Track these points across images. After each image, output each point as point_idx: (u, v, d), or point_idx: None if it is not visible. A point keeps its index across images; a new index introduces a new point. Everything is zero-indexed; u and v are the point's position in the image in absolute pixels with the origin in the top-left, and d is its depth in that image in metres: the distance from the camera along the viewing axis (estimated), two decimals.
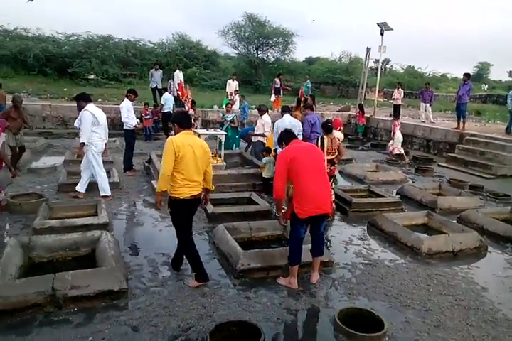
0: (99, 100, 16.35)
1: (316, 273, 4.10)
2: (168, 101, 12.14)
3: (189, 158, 3.67)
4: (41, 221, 4.79)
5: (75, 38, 23.72)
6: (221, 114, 10.80)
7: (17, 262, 3.81)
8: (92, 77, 20.92)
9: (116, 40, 24.18)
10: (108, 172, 7.31)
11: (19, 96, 8.20)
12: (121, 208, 6.02)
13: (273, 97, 16.17)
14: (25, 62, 20.50)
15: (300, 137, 6.93)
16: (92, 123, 6.05)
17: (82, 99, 6.21)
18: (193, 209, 3.95)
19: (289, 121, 7.11)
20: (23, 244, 4.08)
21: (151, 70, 14.88)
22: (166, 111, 12.00)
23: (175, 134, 3.90)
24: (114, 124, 13.69)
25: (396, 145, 11.36)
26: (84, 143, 6.04)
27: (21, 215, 5.38)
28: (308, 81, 16.87)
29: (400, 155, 11.14)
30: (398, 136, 11.36)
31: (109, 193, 6.27)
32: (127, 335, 3.09)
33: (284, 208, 4.32)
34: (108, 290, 3.49)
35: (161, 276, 4.05)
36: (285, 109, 7.60)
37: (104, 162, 8.19)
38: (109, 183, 6.52)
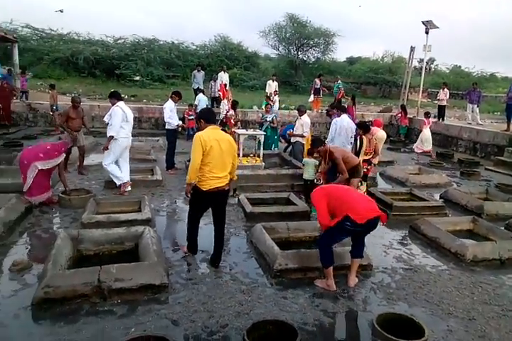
0: (144, 100, 16.93)
1: (354, 277, 4.03)
2: (201, 101, 12.47)
3: (215, 152, 3.89)
4: (89, 215, 5.04)
5: (123, 41, 24.73)
6: (260, 115, 10.87)
7: (67, 254, 4.03)
8: (137, 78, 21.70)
9: (161, 42, 24.98)
10: (151, 170, 7.59)
11: (78, 97, 8.65)
12: (163, 205, 6.20)
13: (311, 98, 16.05)
14: (76, 65, 21.60)
15: (352, 140, 6.92)
16: (122, 120, 6.32)
17: (114, 97, 6.50)
18: (216, 201, 4.16)
19: (347, 122, 7.22)
20: (72, 236, 4.30)
21: (194, 72, 15.20)
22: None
23: (200, 130, 4.07)
24: (158, 124, 14.22)
25: (419, 145, 10.98)
26: (112, 137, 6.30)
27: (71, 210, 5.69)
28: (340, 81, 16.61)
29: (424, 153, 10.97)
30: (426, 135, 10.94)
31: (125, 180, 6.50)
32: (167, 328, 3.18)
33: None
34: (150, 284, 3.61)
35: (200, 273, 4.14)
36: (343, 109, 7.78)
37: (147, 160, 8.51)
38: (152, 181, 6.78)
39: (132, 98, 17.17)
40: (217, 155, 3.91)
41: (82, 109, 7.70)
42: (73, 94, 15.79)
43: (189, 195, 4.19)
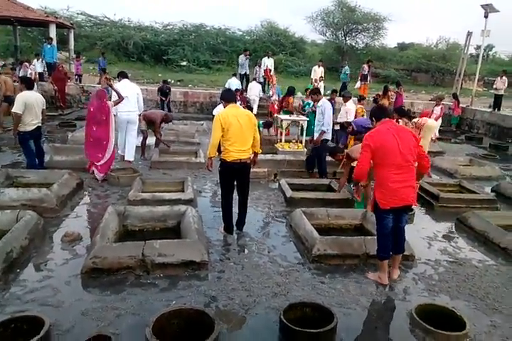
0: (190, 85, 17.19)
1: (397, 270, 3.87)
2: (231, 84, 12.80)
3: (235, 127, 4.24)
4: (135, 193, 5.24)
5: (171, 27, 25.12)
6: (301, 101, 10.72)
7: (113, 228, 4.22)
8: (184, 63, 22.07)
9: (208, 28, 25.14)
10: (195, 153, 7.75)
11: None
12: (205, 186, 6.33)
13: (358, 84, 15.62)
14: (126, 50, 22.28)
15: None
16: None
17: (120, 75, 7.28)
18: (239, 172, 4.46)
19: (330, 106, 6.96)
20: (119, 212, 4.50)
21: (241, 56, 15.19)
22: None
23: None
24: (202, 108, 14.43)
25: None
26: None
27: (118, 187, 5.95)
28: (347, 67, 16.39)
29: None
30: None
31: (131, 159, 7.11)
32: (206, 304, 3.28)
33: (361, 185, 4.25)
34: (191, 261, 3.72)
35: (240, 253, 4.22)
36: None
37: (191, 143, 8.67)
38: (196, 163, 7.02)
39: (178, 83, 17.47)
40: (237, 131, 4.25)
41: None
42: None
43: (210, 169, 4.62)
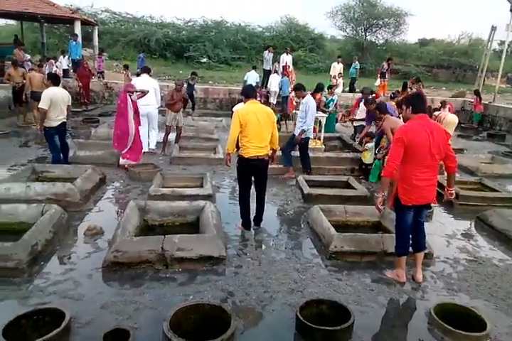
0: (210, 82, 17.26)
1: (420, 270, 3.78)
2: (249, 77, 13.18)
3: (253, 124, 4.26)
4: (156, 188, 5.33)
5: (192, 23, 25.23)
6: (324, 98, 10.64)
7: (134, 222, 4.31)
8: (204, 60, 22.17)
9: (228, 24, 25.15)
10: (214, 149, 7.82)
11: (180, 79, 9.12)
12: (223, 182, 6.39)
13: (378, 81, 15.42)
14: (148, 46, 22.51)
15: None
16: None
17: (142, 70, 7.76)
18: (257, 169, 4.49)
19: (313, 102, 6.67)
20: (140, 207, 4.59)
21: (265, 52, 15.18)
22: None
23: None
24: (222, 105, 14.52)
25: None
26: None
27: (139, 182, 6.06)
28: (357, 62, 16.25)
29: None
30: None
31: (146, 149, 7.36)
32: (223, 299, 3.32)
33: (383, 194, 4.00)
34: (209, 256, 3.77)
35: (257, 249, 4.26)
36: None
37: (210, 139, 8.74)
38: (215, 159, 7.14)
39: (199, 80, 17.56)
40: (255, 127, 4.28)
41: (184, 91, 8.28)
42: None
43: (228, 164, 4.64)
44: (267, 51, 14.91)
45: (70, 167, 6.06)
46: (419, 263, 3.79)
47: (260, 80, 14.06)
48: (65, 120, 6.17)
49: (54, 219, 4.24)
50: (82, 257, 3.91)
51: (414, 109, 3.46)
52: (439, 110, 9.95)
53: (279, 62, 14.39)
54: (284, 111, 12.07)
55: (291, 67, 14.37)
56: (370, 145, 6.75)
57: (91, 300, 3.23)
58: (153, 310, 3.13)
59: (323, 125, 8.32)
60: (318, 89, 9.53)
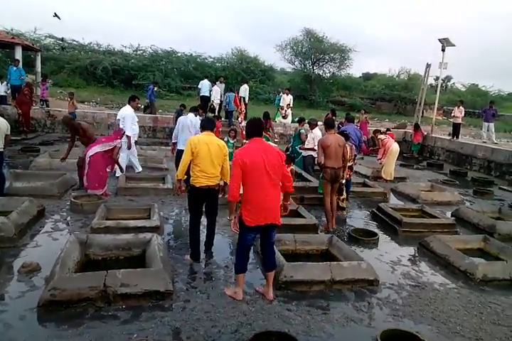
0: (160, 111, 17.18)
1: (271, 289, 3.84)
2: (203, 85, 14.63)
3: (204, 154, 4.37)
4: (99, 221, 5.10)
5: (141, 51, 25.22)
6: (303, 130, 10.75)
7: (75, 257, 4.08)
8: (155, 89, 22.07)
9: (179, 54, 25.42)
10: (163, 179, 7.68)
11: None
12: (172, 213, 6.26)
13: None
14: (95, 74, 22.09)
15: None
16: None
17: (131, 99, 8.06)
18: (207, 197, 4.57)
19: (353, 129, 7.77)
20: (81, 241, 4.36)
21: (217, 83, 15.47)
22: (202, 94, 14.85)
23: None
24: (171, 134, 14.41)
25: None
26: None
27: (82, 215, 5.78)
28: (281, 94, 15.87)
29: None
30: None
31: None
32: (169, 336, 3.18)
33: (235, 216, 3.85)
34: (155, 291, 3.63)
35: (205, 281, 4.15)
36: (350, 119, 8.57)
37: (159, 169, 8.65)
38: (163, 189, 7.02)
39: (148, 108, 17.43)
40: (206, 157, 4.38)
41: None
42: (90, 103, 16.18)
43: (179, 192, 4.82)
44: (218, 82, 15.21)
45: (4, 199, 5.69)
46: (271, 281, 3.88)
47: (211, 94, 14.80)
48: (1, 149, 5.86)
49: None
50: (15, 297, 3.62)
51: (251, 133, 3.78)
52: (382, 134, 10.59)
53: (233, 91, 14.56)
54: (230, 125, 13.14)
55: (247, 99, 15.20)
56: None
57: None
58: None
59: None
60: (265, 117, 10.36)
